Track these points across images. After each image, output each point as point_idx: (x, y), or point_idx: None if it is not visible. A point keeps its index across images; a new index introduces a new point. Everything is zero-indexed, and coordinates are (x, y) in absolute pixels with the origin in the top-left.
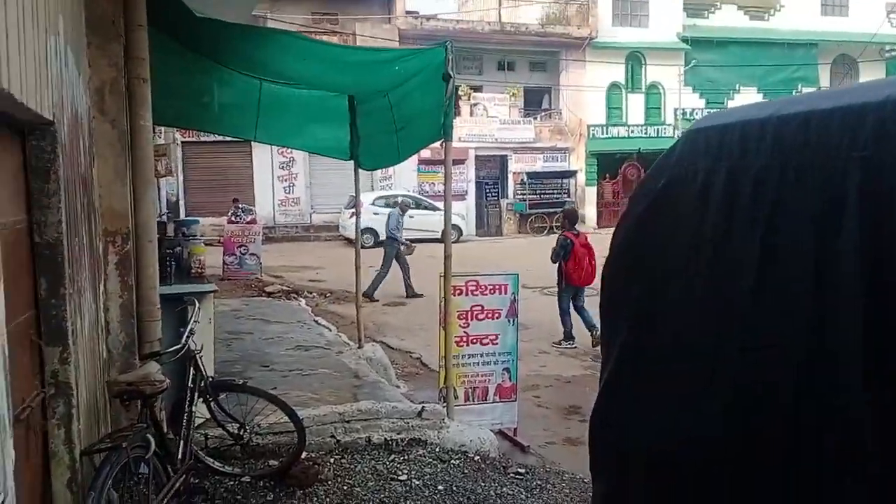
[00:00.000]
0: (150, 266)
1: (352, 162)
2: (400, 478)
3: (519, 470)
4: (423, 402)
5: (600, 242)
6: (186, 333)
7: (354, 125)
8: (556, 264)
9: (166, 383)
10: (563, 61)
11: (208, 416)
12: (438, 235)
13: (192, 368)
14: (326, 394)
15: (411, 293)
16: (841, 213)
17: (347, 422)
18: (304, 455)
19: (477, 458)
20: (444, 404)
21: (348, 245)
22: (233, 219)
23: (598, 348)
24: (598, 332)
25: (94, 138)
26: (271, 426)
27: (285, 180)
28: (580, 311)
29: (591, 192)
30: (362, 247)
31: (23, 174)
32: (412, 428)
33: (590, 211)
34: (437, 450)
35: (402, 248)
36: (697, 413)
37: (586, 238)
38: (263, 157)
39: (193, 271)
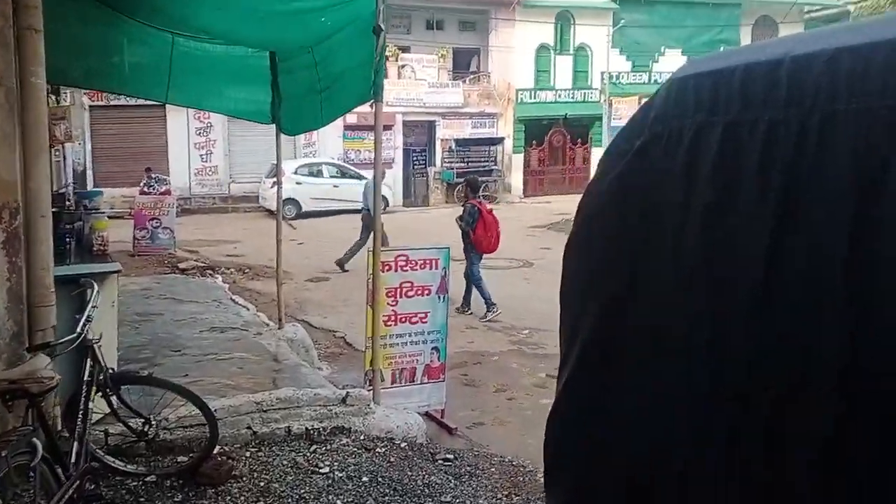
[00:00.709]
0: (43, 244)
1: (273, 127)
2: (322, 470)
3: (447, 456)
4: (347, 386)
5: (526, 212)
6: (83, 320)
7: (276, 85)
8: (464, 234)
9: (56, 380)
10: (493, 20)
11: (109, 411)
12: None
13: (88, 360)
14: (243, 380)
15: (342, 265)
16: (885, 182)
17: (265, 411)
18: (216, 450)
19: (404, 444)
20: (370, 388)
21: (269, 217)
22: (145, 189)
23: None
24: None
25: None
26: (181, 419)
27: (202, 147)
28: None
29: (518, 160)
30: (284, 218)
31: None
32: (336, 415)
33: (516, 179)
34: (362, 438)
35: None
36: (677, 419)
37: (490, 208)
38: (179, 123)
39: (95, 249)
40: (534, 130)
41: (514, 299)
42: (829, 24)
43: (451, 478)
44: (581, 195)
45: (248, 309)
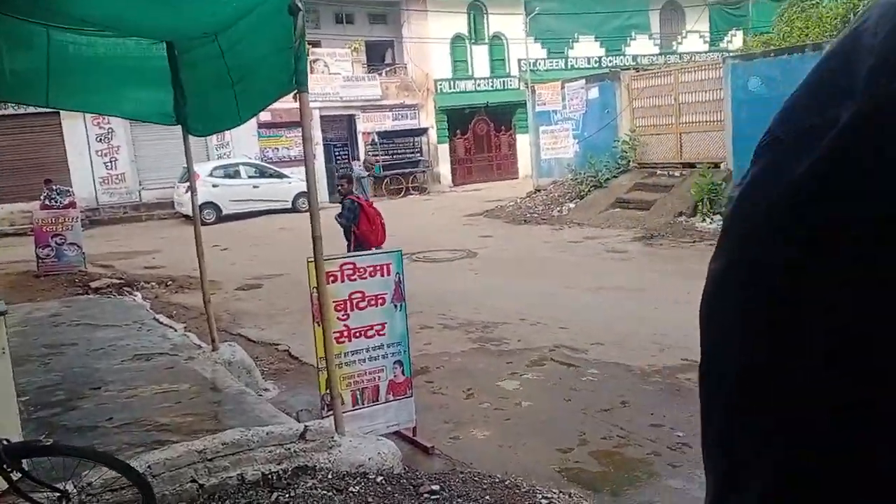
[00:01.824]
0: None
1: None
2: None
3: (433, 487)
4: (301, 412)
5: (458, 201)
6: None
7: (178, 81)
8: (346, 231)
9: None
10: (405, 11)
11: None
12: (289, 205)
13: None
14: (179, 419)
15: None
16: None
17: (210, 459)
18: None
19: (380, 479)
20: (329, 412)
21: (187, 223)
22: (47, 203)
23: None
24: None
25: None
26: (108, 483)
27: (105, 154)
28: None
29: (444, 150)
30: (203, 223)
31: None
32: (296, 454)
33: (444, 169)
34: (331, 477)
35: None
36: None
37: (370, 202)
38: (76, 130)
39: None
40: (457, 120)
41: (465, 293)
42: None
43: None
44: (506, 181)
45: (174, 329)
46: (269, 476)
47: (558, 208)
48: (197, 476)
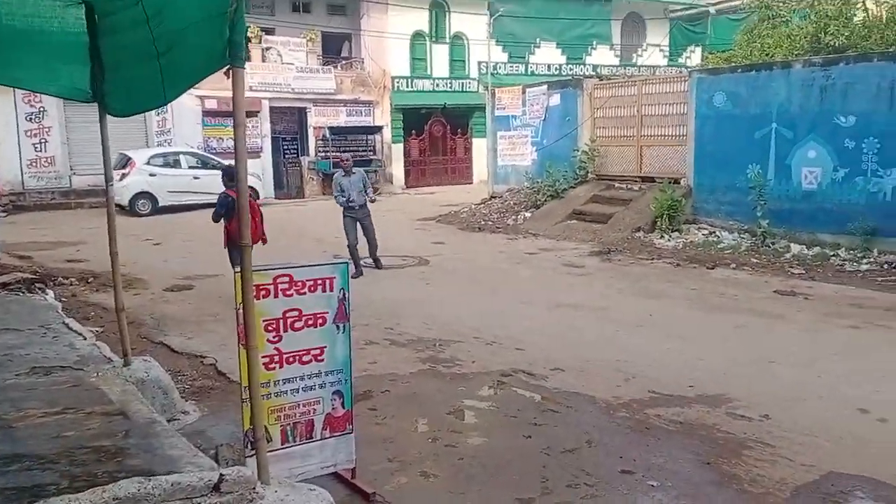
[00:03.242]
0: None
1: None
2: None
3: None
4: (220, 446)
5: (410, 204)
6: None
7: (96, 50)
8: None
9: None
10: (365, 4)
11: None
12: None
13: None
14: (70, 457)
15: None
16: None
17: None
18: None
19: None
20: (251, 452)
21: (121, 213)
22: None
23: None
24: None
25: None
26: None
27: (34, 135)
28: None
29: (398, 150)
30: (137, 215)
31: None
32: None
33: (397, 170)
34: None
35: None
36: None
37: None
38: (4, 107)
39: None
40: (412, 120)
41: (416, 305)
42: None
43: None
44: (460, 185)
45: (84, 337)
46: None
47: (514, 217)
48: None
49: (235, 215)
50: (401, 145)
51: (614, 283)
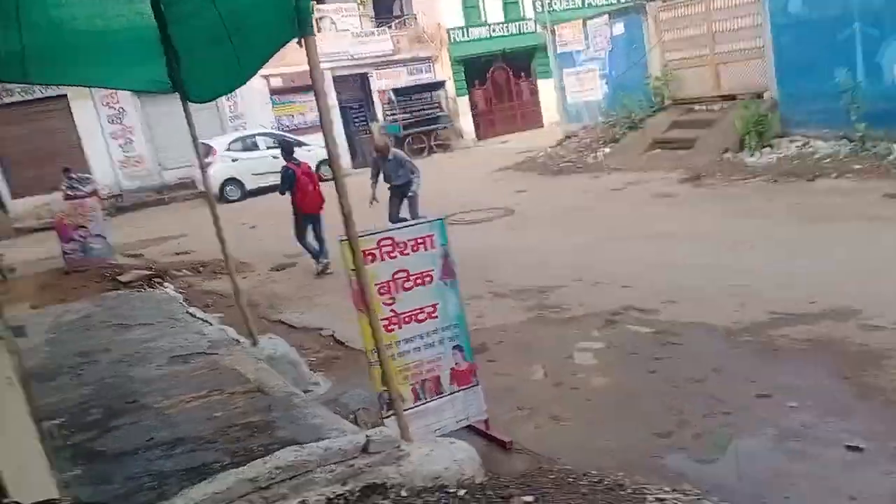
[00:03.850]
0: None
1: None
2: None
3: (525, 499)
4: (358, 412)
5: (485, 156)
6: None
7: (168, 40)
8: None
9: None
10: None
11: None
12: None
13: None
14: (225, 435)
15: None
16: None
17: (265, 488)
18: None
19: (462, 492)
20: (389, 413)
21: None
22: (69, 193)
23: (321, 275)
24: (326, 262)
25: None
26: None
27: (119, 136)
28: (321, 241)
29: (464, 103)
30: (228, 201)
31: None
32: (360, 471)
33: (466, 123)
34: (405, 493)
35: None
36: None
37: (308, 167)
38: (86, 112)
39: None
40: (474, 70)
41: (510, 254)
42: None
43: None
44: (531, 131)
45: (210, 323)
46: (335, 500)
47: (593, 154)
48: None
49: (296, 188)
50: (466, 97)
51: (711, 207)
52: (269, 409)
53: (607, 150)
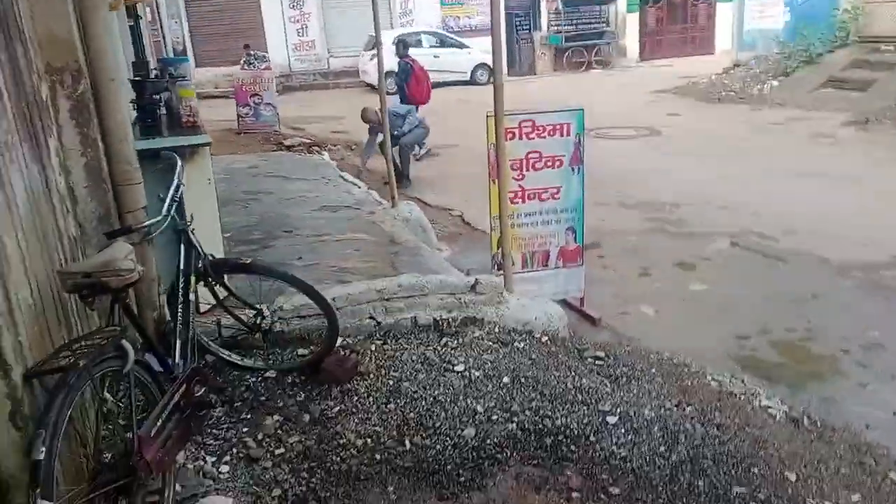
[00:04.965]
0: (119, 112)
1: None
2: (456, 368)
3: (598, 353)
4: (471, 270)
5: (645, 77)
6: (168, 199)
7: None
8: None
9: (139, 270)
10: None
11: (215, 303)
12: (467, 77)
13: (182, 245)
14: (360, 264)
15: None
16: None
17: (387, 300)
18: (338, 343)
19: (545, 339)
20: (500, 273)
21: (371, 91)
22: (245, 67)
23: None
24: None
25: None
26: (297, 309)
27: (297, 21)
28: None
29: (633, 21)
30: (387, 93)
31: None
32: (465, 305)
33: (630, 43)
34: (497, 330)
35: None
36: None
37: (421, 65)
38: None
39: (185, 120)
40: None
41: (647, 172)
42: None
43: (605, 380)
44: (699, 56)
45: (358, 186)
46: (440, 322)
47: (759, 86)
48: (374, 314)
49: (412, 79)
50: (636, 15)
51: (872, 153)
52: (397, 253)
53: (775, 83)
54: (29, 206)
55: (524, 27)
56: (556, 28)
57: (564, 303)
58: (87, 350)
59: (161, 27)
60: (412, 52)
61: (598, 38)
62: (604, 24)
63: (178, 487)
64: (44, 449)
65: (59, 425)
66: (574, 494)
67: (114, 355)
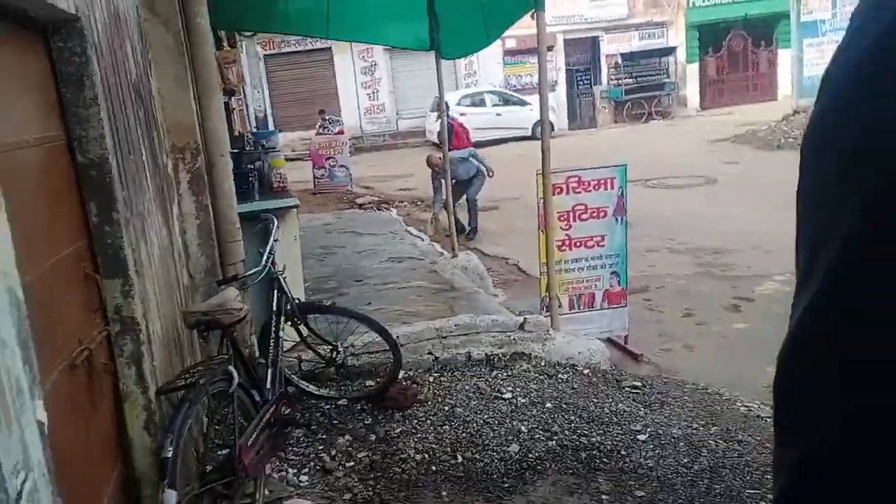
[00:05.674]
0: (226, 182)
1: (433, 57)
2: (504, 395)
3: (634, 383)
4: (523, 312)
5: (705, 126)
6: (266, 254)
7: (433, 9)
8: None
9: (245, 310)
10: None
11: (299, 339)
12: (528, 132)
13: (275, 291)
14: (422, 307)
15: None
16: None
17: (444, 337)
18: (401, 375)
19: (587, 371)
20: (548, 314)
21: (436, 149)
22: (321, 131)
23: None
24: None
25: (147, 42)
26: (366, 346)
27: (369, 86)
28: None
29: (693, 70)
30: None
31: (52, 82)
32: (514, 341)
33: (691, 91)
34: (543, 364)
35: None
36: None
37: (460, 122)
38: (345, 64)
39: (275, 186)
40: (709, 36)
41: (697, 219)
42: None
43: (640, 406)
44: (761, 104)
45: (422, 239)
46: (491, 357)
47: None
48: (433, 350)
49: (453, 136)
50: (696, 65)
51: None
52: (456, 298)
53: None
54: (160, 260)
55: (584, 82)
56: (615, 82)
57: (609, 341)
58: (204, 372)
59: (244, 97)
60: (463, 109)
61: (657, 89)
62: (663, 76)
63: (266, 492)
64: (171, 449)
65: (183, 431)
66: (604, 497)
67: (222, 378)
